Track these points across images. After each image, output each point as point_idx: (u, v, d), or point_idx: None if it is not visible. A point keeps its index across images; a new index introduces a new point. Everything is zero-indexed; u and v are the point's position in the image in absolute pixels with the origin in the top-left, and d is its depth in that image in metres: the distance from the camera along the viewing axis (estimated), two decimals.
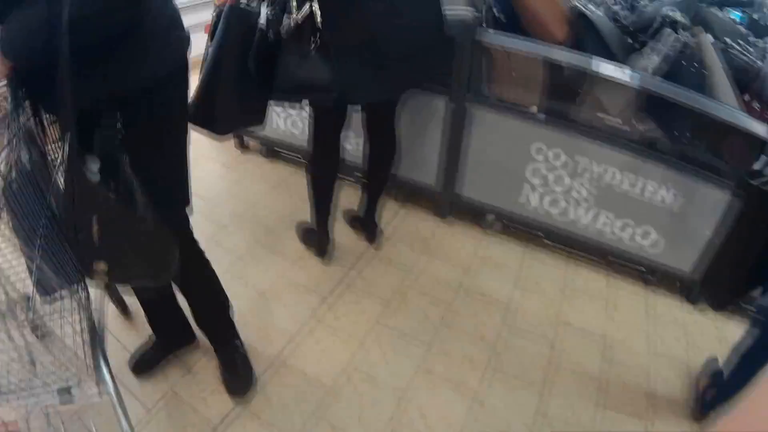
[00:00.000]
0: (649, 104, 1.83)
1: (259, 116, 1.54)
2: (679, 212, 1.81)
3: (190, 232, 1.25)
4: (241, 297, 1.70)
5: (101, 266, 0.86)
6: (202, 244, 1.31)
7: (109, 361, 0.97)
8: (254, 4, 1.35)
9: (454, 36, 1.60)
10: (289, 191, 2.38)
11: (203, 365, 1.52)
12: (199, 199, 2.16)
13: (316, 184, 1.81)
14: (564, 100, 1.95)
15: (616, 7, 2.09)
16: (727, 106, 1.69)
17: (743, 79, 1.84)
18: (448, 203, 2.22)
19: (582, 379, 1.59)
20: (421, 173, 2.18)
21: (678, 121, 1.81)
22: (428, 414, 1.44)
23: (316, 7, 1.28)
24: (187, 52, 1.07)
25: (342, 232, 2.08)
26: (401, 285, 1.88)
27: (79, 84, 0.76)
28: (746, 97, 1.85)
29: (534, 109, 1.92)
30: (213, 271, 1.35)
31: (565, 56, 1.80)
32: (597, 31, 1.80)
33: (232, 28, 1.31)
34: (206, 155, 2.56)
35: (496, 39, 1.85)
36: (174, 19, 1.03)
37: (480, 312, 1.79)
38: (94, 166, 0.86)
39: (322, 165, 1.79)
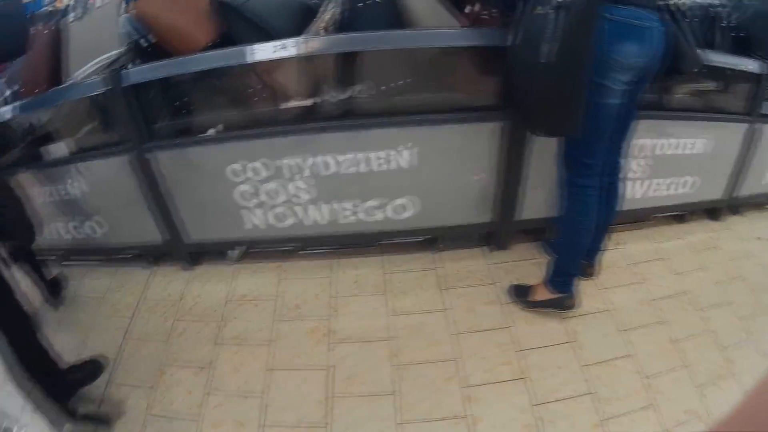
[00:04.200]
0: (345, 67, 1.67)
1: None
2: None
3: None
4: None
5: None
6: None
7: None
8: None
9: None
10: None
11: None
12: None
13: None
14: (245, 104, 1.74)
15: None
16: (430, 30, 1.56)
17: None
18: (187, 254, 1.92)
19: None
20: (145, 234, 1.84)
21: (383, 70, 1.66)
22: None
23: None
24: None
25: None
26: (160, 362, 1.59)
27: None
28: (469, 9, 1.66)
29: (212, 131, 1.67)
30: None
31: (216, 58, 1.50)
32: (241, 14, 1.54)
33: None
34: None
35: (141, 75, 1.56)
36: None
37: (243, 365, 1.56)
38: None
39: None
